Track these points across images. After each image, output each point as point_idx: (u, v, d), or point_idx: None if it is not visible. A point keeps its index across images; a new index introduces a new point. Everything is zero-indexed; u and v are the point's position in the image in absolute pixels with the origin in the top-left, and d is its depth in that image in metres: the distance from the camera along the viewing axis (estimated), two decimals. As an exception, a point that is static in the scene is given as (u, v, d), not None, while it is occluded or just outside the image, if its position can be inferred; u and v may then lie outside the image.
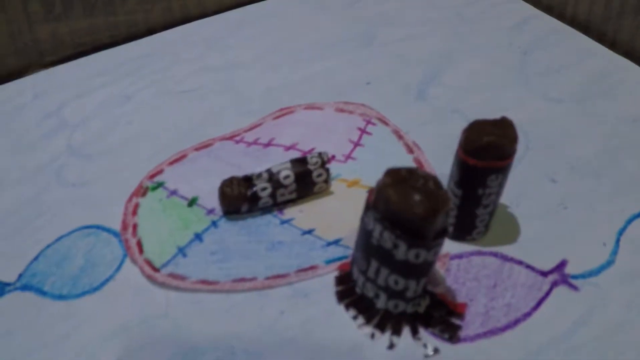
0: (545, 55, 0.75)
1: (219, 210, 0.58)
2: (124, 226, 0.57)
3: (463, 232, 0.54)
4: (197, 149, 0.64)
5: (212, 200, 0.59)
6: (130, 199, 0.59)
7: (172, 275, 0.53)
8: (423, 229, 0.44)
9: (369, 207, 0.46)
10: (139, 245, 0.55)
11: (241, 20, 0.84)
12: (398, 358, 0.48)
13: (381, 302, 0.49)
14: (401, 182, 0.44)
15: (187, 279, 0.53)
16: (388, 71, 0.74)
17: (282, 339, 0.49)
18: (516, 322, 0.49)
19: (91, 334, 0.50)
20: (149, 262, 0.54)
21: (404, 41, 0.79)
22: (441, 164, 0.59)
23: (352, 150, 0.63)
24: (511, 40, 0.78)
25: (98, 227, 0.58)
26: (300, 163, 0.57)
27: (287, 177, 0.57)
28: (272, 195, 0.57)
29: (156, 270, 0.54)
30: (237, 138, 0.65)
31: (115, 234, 0.57)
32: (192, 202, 0.59)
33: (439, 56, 0.76)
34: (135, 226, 0.57)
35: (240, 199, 0.56)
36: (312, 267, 0.53)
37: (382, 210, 0.44)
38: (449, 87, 0.71)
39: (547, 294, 0.51)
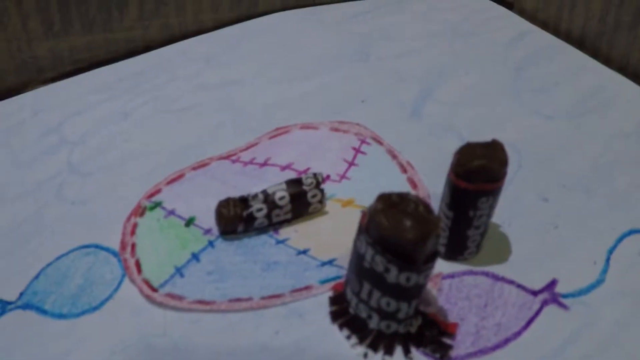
0: (540, 71, 0.76)
1: (215, 230, 0.58)
2: (123, 246, 0.58)
3: (455, 253, 0.55)
4: (194, 169, 0.65)
5: (209, 220, 0.59)
6: (128, 219, 0.60)
7: (170, 295, 0.54)
8: (414, 253, 0.44)
9: (361, 230, 0.47)
10: (138, 265, 0.56)
11: (239, 36, 0.85)
12: (391, 377, 0.49)
13: (374, 323, 0.49)
14: (392, 207, 0.45)
15: (184, 299, 0.53)
16: (383, 88, 0.74)
17: (277, 359, 0.50)
18: (506, 341, 0.50)
19: (91, 352, 0.51)
20: (147, 282, 0.55)
21: (400, 57, 0.79)
22: (435, 183, 0.59)
23: (346, 170, 0.64)
24: (506, 55, 0.79)
25: (97, 246, 0.58)
26: (295, 184, 0.58)
27: (282, 197, 0.57)
28: (268, 216, 0.57)
29: (154, 290, 0.54)
30: (234, 157, 0.66)
31: (114, 253, 0.58)
32: (189, 222, 0.59)
33: (434, 72, 0.76)
34: (133, 246, 0.58)
35: (237, 219, 0.57)
36: (307, 287, 0.54)
37: (374, 235, 0.45)
38: (443, 103, 0.72)
39: (537, 313, 0.52)
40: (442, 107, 0.71)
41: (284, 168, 0.64)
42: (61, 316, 0.53)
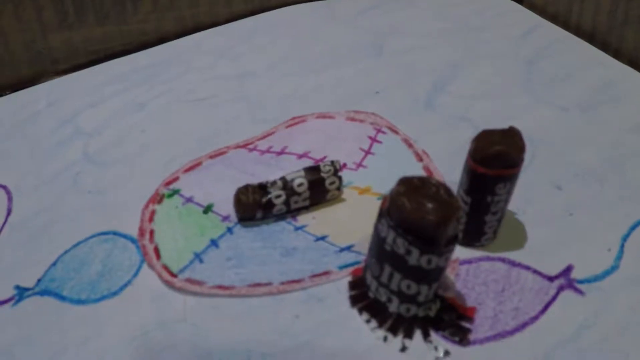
0: (551, 64, 0.76)
1: (234, 217, 0.59)
2: (141, 232, 0.58)
3: (472, 239, 0.55)
4: (211, 157, 0.65)
5: (227, 207, 0.60)
6: (147, 206, 0.60)
7: (190, 280, 0.54)
8: (435, 235, 0.45)
9: (383, 214, 0.47)
10: (156, 251, 0.56)
11: (252, 29, 0.85)
12: (410, 360, 0.49)
13: (393, 306, 0.50)
14: (414, 190, 0.45)
15: (204, 284, 0.54)
16: (397, 80, 0.75)
17: (297, 343, 0.50)
18: (524, 325, 0.50)
19: (111, 338, 0.51)
20: (166, 268, 0.55)
21: (413, 50, 0.80)
22: (450, 172, 0.60)
23: (363, 158, 0.64)
24: (517, 49, 0.79)
25: (115, 232, 0.59)
26: (313, 171, 0.58)
27: (300, 184, 0.58)
28: (286, 202, 0.58)
29: (174, 275, 0.54)
30: (251, 146, 0.66)
31: (132, 240, 0.58)
32: (207, 209, 0.60)
33: (447, 65, 0.77)
34: (152, 232, 0.58)
35: (255, 206, 0.57)
36: (326, 273, 0.54)
37: (396, 217, 0.46)
38: (457, 95, 0.72)
39: (554, 298, 0.52)
40: (456, 100, 0.72)
41: (300, 156, 0.64)
42: (80, 302, 0.54)
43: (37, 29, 0.78)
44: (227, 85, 0.76)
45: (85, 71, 0.80)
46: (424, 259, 0.46)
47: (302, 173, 0.58)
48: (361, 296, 0.52)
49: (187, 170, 0.64)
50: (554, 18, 0.85)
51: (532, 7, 0.87)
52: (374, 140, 0.66)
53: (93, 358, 0.50)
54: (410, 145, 0.65)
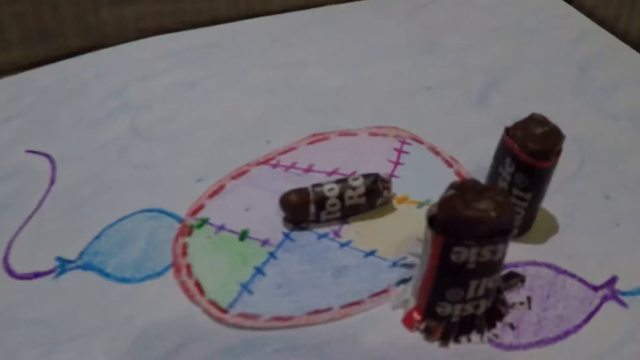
0: (602, 71, 0.76)
1: (274, 240, 0.57)
2: (177, 269, 0.55)
3: (524, 228, 0.56)
4: (234, 177, 0.63)
5: (264, 230, 0.57)
6: (176, 240, 0.57)
7: (244, 315, 0.51)
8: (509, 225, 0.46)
9: (454, 242, 0.46)
10: (198, 286, 0.53)
11: (306, 21, 0.85)
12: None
13: (482, 308, 0.50)
14: (467, 205, 0.45)
15: (260, 317, 0.51)
16: (449, 77, 0.75)
17: (343, 334, 0.50)
18: (567, 333, 0.50)
19: (154, 319, 0.51)
20: (214, 304, 0.52)
21: (465, 48, 0.79)
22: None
23: (393, 169, 0.63)
24: (569, 53, 0.79)
25: (161, 210, 0.59)
26: (369, 175, 0.58)
27: (356, 179, 0.57)
28: (340, 196, 0.57)
29: (224, 311, 0.52)
30: (273, 162, 0.64)
31: (178, 219, 0.58)
32: (243, 236, 0.57)
33: (499, 65, 0.77)
34: (189, 267, 0.55)
35: (306, 202, 0.56)
36: (385, 291, 0.53)
37: (477, 232, 0.45)
38: (509, 95, 0.72)
39: (597, 308, 0.52)
40: (508, 99, 0.71)
41: (330, 173, 0.63)
42: (124, 280, 0.54)
43: (90, 2, 0.78)
44: (279, 72, 0.75)
45: (134, 44, 0.80)
46: (503, 247, 0.46)
47: (358, 175, 0.58)
48: (447, 328, 0.50)
49: (211, 196, 0.61)
50: (601, 22, 0.84)
51: (581, 9, 0.86)
52: (400, 151, 0.65)
53: (138, 334, 0.50)
54: (437, 153, 0.65)
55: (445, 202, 0.46)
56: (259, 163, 0.64)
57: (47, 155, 0.65)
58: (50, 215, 0.59)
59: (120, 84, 0.73)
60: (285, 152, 0.65)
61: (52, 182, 0.62)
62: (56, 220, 0.58)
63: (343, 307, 0.52)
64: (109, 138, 0.66)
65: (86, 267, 0.54)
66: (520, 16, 0.85)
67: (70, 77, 0.74)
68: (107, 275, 0.54)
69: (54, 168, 0.63)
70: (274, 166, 0.64)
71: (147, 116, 0.69)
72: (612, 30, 0.83)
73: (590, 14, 0.85)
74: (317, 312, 0.51)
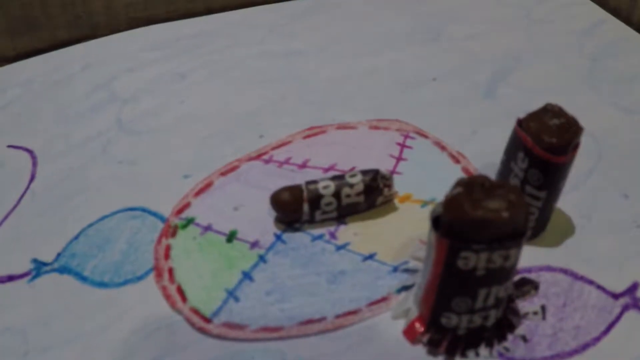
0: (616, 63, 0.73)
1: (264, 242, 0.53)
2: (158, 273, 0.52)
3: (539, 229, 0.53)
4: (222, 174, 0.60)
5: (253, 231, 0.54)
6: (159, 241, 0.54)
7: (228, 325, 0.48)
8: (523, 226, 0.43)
9: (461, 246, 0.43)
10: (180, 292, 0.50)
11: (305, 9, 0.83)
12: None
13: (492, 319, 0.46)
14: (476, 205, 0.42)
15: (246, 328, 0.48)
16: (455, 68, 0.72)
17: (338, 347, 0.47)
18: (585, 346, 0.46)
19: (133, 326, 0.48)
20: (196, 312, 0.49)
21: (472, 38, 0.77)
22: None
23: (395, 165, 0.60)
24: (580, 44, 0.76)
25: (144, 209, 0.56)
26: (369, 171, 0.55)
27: (354, 175, 0.54)
28: (337, 194, 0.53)
29: (207, 320, 0.48)
30: (266, 157, 0.61)
31: (162, 218, 0.55)
32: (231, 237, 0.54)
33: (508, 55, 0.74)
34: (171, 271, 0.52)
35: (300, 200, 0.53)
36: (384, 299, 0.50)
37: (488, 235, 0.42)
38: (518, 87, 0.69)
39: (618, 317, 0.48)
40: (517, 91, 0.68)
41: (327, 169, 0.59)
42: (102, 285, 0.51)
43: (78, -10, 0.75)
44: (275, 63, 0.73)
45: (125, 34, 0.78)
46: (516, 252, 0.43)
47: (357, 172, 0.54)
48: (454, 341, 0.47)
49: (198, 193, 0.58)
50: (615, 12, 0.81)
51: (593, -1, 0.84)
52: (403, 146, 0.62)
53: (114, 345, 0.47)
54: (442, 148, 0.62)
55: (451, 201, 0.42)
56: (250, 158, 0.61)
57: (29, 151, 0.63)
58: (28, 213, 0.57)
59: (108, 76, 0.71)
60: (279, 146, 0.62)
61: (32, 178, 0.60)
62: (34, 219, 0.56)
63: (338, 316, 0.48)
64: (93, 132, 0.64)
65: (62, 270, 0.52)
66: (529, 6, 0.83)
67: (57, 69, 0.72)
68: (84, 279, 0.51)
69: (34, 164, 0.61)
70: (267, 162, 0.61)
71: (133, 109, 0.67)
72: (627, 20, 0.80)
73: (603, 4, 0.82)
74: (309, 322, 0.48)
